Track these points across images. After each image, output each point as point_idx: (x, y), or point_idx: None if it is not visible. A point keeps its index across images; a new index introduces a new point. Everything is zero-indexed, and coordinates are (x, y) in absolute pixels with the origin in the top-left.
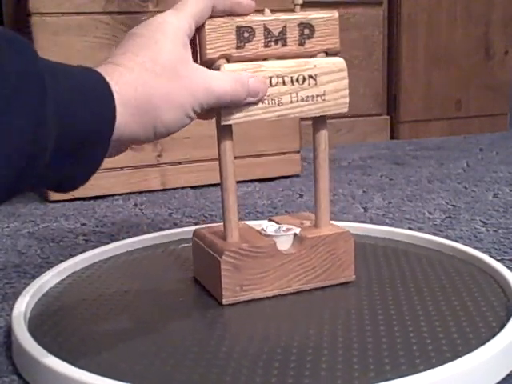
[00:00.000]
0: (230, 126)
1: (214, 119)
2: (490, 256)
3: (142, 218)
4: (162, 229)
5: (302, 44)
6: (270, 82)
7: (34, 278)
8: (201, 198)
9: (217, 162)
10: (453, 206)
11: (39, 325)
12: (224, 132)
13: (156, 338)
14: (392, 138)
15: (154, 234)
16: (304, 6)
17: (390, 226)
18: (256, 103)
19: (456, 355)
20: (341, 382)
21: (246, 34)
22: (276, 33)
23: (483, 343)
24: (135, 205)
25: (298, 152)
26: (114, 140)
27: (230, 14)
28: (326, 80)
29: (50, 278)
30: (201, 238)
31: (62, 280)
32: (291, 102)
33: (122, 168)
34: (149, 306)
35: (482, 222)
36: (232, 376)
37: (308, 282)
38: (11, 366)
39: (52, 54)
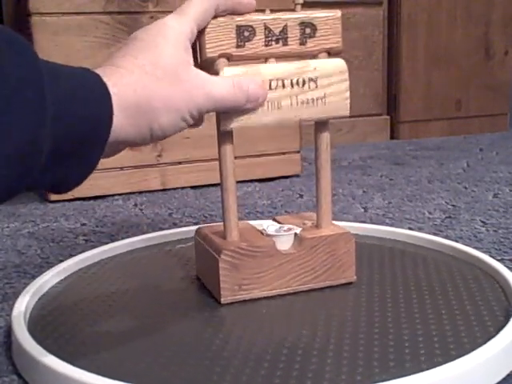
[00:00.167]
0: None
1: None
2: (490, 256)
3: (141, 217)
4: (161, 229)
5: (303, 43)
6: (270, 85)
7: (33, 277)
8: (201, 198)
9: (217, 162)
10: (453, 206)
11: (39, 325)
12: (224, 135)
13: (156, 338)
14: (392, 138)
15: (154, 233)
16: (304, 5)
17: (390, 225)
18: (255, 108)
19: (456, 355)
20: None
21: (246, 33)
22: (277, 32)
23: (483, 343)
24: (135, 205)
25: (298, 152)
26: (111, 141)
27: (232, 13)
28: (327, 82)
29: (49, 278)
30: (202, 237)
31: (61, 280)
32: (291, 105)
33: (121, 168)
34: (149, 305)
35: (482, 221)
36: (232, 375)
37: (308, 282)
38: (11, 365)
39: (52, 54)
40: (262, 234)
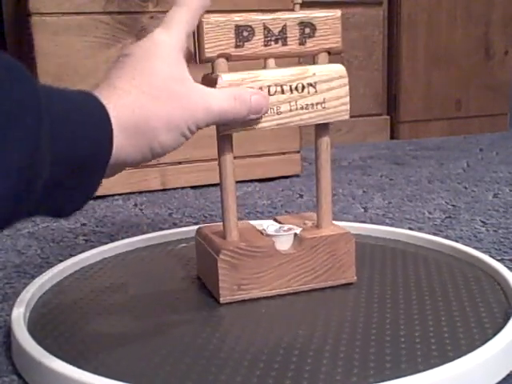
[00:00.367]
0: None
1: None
2: (490, 256)
3: (141, 218)
4: (161, 229)
5: (302, 43)
6: (269, 90)
7: (33, 277)
8: (201, 198)
9: (217, 162)
10: (453, 206)
11: (39, 325)
12: (224, 136)
13: (154, 337)
14: (392, 138)
15: (154, 233)
16: (303, 5)
17: (390, 225)
18: (258, 119)
19: (456, 355)
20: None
21: (245, 33)
22: (276, 32)
23: (483, 343)
24: (135, 205)
25: (298, 152)
26: (111, 164)
27: None
28: (326, 87)
29: (49, 278)
30: (202, 237)
31: (61, 280)
32: (290, 110)
33: None
34: (148, 304)
35: (482, 222)
36: (227, 375)
37: (308, 282)
38: (11, 366)
39: (52, 53)
40: (261, 234)
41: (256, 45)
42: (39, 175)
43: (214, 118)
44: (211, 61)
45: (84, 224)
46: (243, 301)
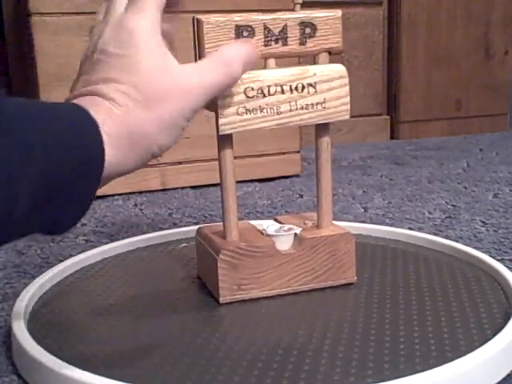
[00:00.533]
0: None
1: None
2: (490, 256)
3: (141, 217)
4: (162, 229)
5: (303, 43)
6: (269, 90)
7: (33, 277)
8: (201, 198)
9: (217, 162)
10: (453, 206)
11: (39, 325)
12: (224, 135)
13: (154, 337)
14: (392, 138)
15: (154, 233)
16: (304, 5)
17: (390, 226)
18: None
19: (452, 357)
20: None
21: (245, 33)
22: (276, 32)
23: (483, 343)
24: (135, 205)
25: (298, 152)
26: (104, 177)
27: None
28: (326, 87)
29: (49, 278)
30: (203, 237)
31: (62, 280)
32: (290, 110)
33: None
34: (149, 304)
35: (482, 222)
36: (225, 375)
37: (308, 282)
38: (11, 365)
39: (52, 53)
40: (261, 234)
41: (256, 45)
42: (16, 195)
43: (211, 93)
44: None
45: (84, 224)
46: (243, 301)
